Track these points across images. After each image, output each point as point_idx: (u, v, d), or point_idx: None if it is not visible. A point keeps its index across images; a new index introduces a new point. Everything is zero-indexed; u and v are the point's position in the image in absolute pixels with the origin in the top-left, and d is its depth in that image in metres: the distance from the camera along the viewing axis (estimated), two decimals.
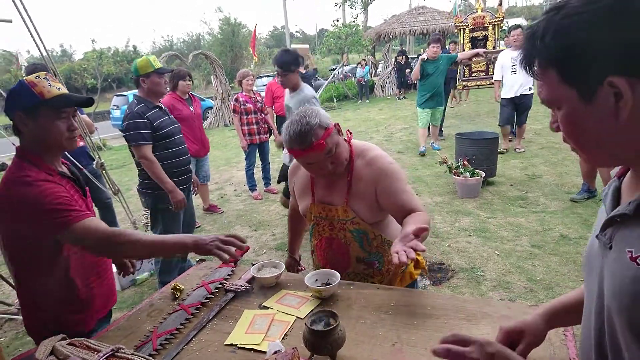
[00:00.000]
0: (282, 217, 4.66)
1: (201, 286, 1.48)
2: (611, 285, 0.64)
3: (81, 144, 3.77)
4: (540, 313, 0.94)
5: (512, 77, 5.64)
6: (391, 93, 15.16)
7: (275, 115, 5.56)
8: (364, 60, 15.35)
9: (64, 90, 1.38)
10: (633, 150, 0.63)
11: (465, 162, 4.64)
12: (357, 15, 19.50)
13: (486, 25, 9.79)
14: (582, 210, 3.94)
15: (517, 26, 5.89)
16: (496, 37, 9.77)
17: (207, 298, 1.40)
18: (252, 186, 5.44)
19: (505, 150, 6.03)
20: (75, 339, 1.16)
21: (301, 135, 1.32)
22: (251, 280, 1.49)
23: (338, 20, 18.68)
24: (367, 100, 14.77)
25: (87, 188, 1.53)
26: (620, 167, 0.74)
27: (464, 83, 9.42)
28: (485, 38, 9.64)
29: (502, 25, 9.55)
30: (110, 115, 13.69)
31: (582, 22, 0.58)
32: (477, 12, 10.02)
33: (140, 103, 2.83)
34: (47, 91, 1.31)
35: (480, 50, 6.71)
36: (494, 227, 3.80)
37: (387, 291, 1.39)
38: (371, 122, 10.43)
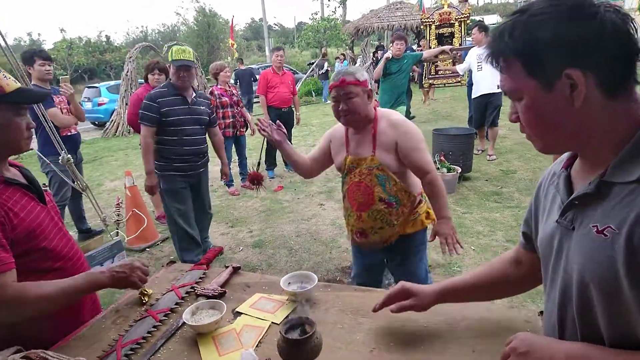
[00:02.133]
0: (260, 213, 4.59)
1: (171, 290, 1.40)
2: (582, 259, 0.71)
3: (72, 131, 3.82)
4: (434, 288, 1.12)
5: (479, 74, 5.55)
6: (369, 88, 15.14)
7: (267, 105, 5.45)
8: (343, 54, 15.30)
9: (18, 84, 1.25)
10: (585, 136, 0.71)
11: (442, 158, 4.67)
12: (335, 8, 19.39)
13: (452, 21, 9.76)
14: None
15: (475, 24, 5.89)
16: (462, 33, 9.79)
17: (176, 303, 1.33)
18: (229, 182, 5.33)
19: (482, 151, 6.01)
20: (32, 351, 1.07)
21: (339, 74, 1.82)
22: (224, 284, 1.43)
23: (317, 14, 18.52)
24: (324, 101, 14.71)
25: (45, 192, 1.35)
26: (566, 159, 0.83)
27: (430, 81, 9.29)
28: (452, 34, 9.62)
29: (468, 21, 9.56)
30: (82, 108, 13.20)
31: (545, 20, 0.67)
32: (443, 7, 10.02)
33: (164, 87, 3.07)
34: (6, 84, 1.15)
35: (446, 48, 6.70)
36: (470, 223, 3.83)
37: (365, 293, 1.35)
38: None
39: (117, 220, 4.04)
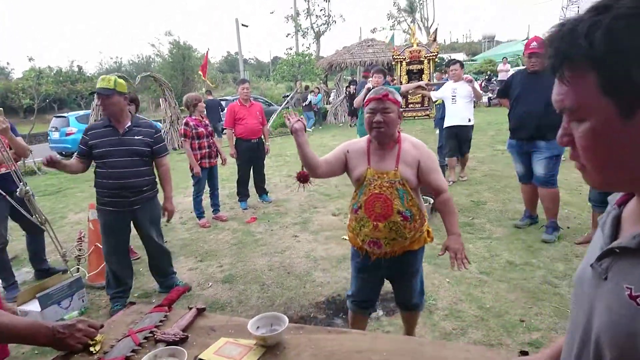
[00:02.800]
0: (231, 247, 4.44)
1: (128, 336, 1.28)
2: (605, 318, 0.59)
3: (3, 170, 3.42)
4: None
5: (452, 106, 5.83)
6: (343, 120, 15.45)
7: (235, 137, 5.41)
8: (317, 88, 15.60)
9: None
10: None
11: None
12: (309, 44, 19.93)
13: (422, 59, 10.38)
14: (526, 236, 4.07)
15: (456, 61, 6.21)
16: (431, 70, 10.29)
17: (133, 350, 1.21)
18: (200, 213, 5.18)
19: (453, 182, 6.13)
20: None
21: (381, 89, 2.01)
22: (187, 328, 1.32)
23: (291, 49, 18.98)
24: (320, 127, 14.92)
25: None
26: (621, 194, 0.69)
27: (401, 114, 9.67)
28: (421, 71, 10.14)
29: (436, 59, 10.10)
30: (49, 138, 12.78)
31: (636, 25, 0.50)
32: (413, 46, 10.58)
33: (101, 119, 3.09)
34: None
35: (422, 83, 7.06)
36: (444, 254, 3.81)
37: (339, 335, 1.28)
38: (325, 147, 10.46)
39: (79, 255, 3.82)
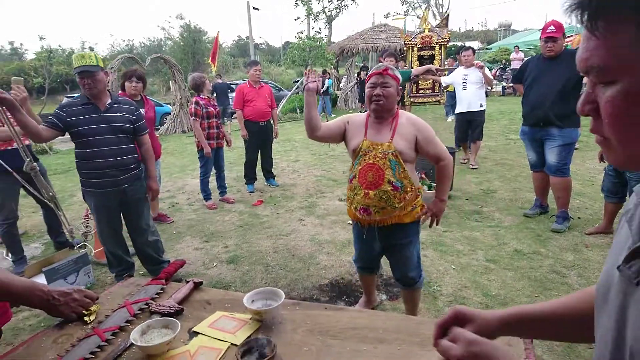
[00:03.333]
0: (237, 228, 4.44)
1: (123, 307, 1.27)
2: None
3: (13, 145, 3.44)
4: (499, 316, 0.80)
5: (463, 92, 5.89)
6: (354, 107, 15.29)
7: (244, 119, 5.38)
8: (328, 72, 15.42)
9: None
10: None
11: (423, 176, 4.64)
12: (320, 29, 19.66)
13: (433, 44, 10.27)
14: (535, 226, 4.00)
15: (468, 47, 6.18)
16: (442, 56, 10.24)
17: (127, 321, 1.20)
18: (207, 195, 5.18)
19: (467, 159, 6.27)
20: None
21: (382, 65, 2.13)
22: (182, 301, 1.30)
23: (302, 33, 18.73)
24: (330, 113, 14.80)
25: None
26: None
27: (412, 100, 9.49)
28: (432, 57, 10.08)
29: (447, 45, 10.00)
30: None
31: None
32: (424, 31, 10.54)
33: (78, 97, 2.92)
34: None
35: (432, 67, 6.92)
36: (450, 241, 3.77)
37: (337, 312, 1.25)
38: None
39: (85, 232, 3.85)
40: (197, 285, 1.40)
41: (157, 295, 1.34)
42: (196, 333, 1.16)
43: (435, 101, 8.92)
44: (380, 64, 2.20)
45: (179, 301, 1.28)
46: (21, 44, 40.86)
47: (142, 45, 37.94)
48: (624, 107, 0.48)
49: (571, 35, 19.30)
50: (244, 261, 3.68)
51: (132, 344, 1.08)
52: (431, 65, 7.99)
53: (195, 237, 4.28)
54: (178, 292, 1.33)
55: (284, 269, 3.49)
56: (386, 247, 2.35)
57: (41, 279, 3.10)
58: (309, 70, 2.21)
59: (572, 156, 3.85)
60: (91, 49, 32.56)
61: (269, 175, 5.96)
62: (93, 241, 3.90)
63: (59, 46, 25.04)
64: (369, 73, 2.15)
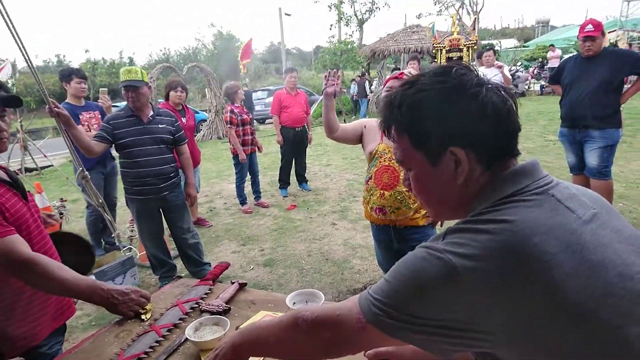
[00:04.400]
0: (272, 232, 4.57)
1: (175, 306, 1.38)
2: None
3: None
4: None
5: None
6: None
7: (280, 125, 5.56)
8: (358, 76, 15.46)
9: None
10: (465, 207, 0.72)
11: None
12: (352, 32, 19.74)
13: (461, 47, 10.85)
14: None
15: (490, 48, 6.30)
16: (470, 58, 10.40)
17: (180, 319, 1.31)
18: (243, 200, 5.35)
19: None
20: None
21: (400, 72, 2.19)
22: (229, 301, 1.40)
23: (334, 37, 18.87)
24: (361, 118, 14.82)
25: (28, 192, 1.48)
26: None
27: None
28: (460, 58, 10.58)
29: (475, 47, 10.17)
30: None
31: (430, 98, 0.69)
32: (453, 34, 11.05)
33: (121, 110, 3.11)
34: None
35: None
36: None
37: None
38: None
39: (131, 236, 4.08)
40: (242, 286, 1.50)
41: (205, 295, 1.44)
42: None
43: None
44: (397, 70, 2.30)
45: (226, 301, 1.38)
46: (64, 56, 43.20)
47: (178, 54, 39.30)
48: (418, 184, 0.76)
49: (614, 30, 18.49)
50: (280, 264, 3.79)
51: (186, 340, 1.19)
52: None
53: (233, 241, 4.43)
54: (225, 292, 1.43)
55: (318, 272, 3.57)
56: (403, 249, 2.40)
57: None
58: (328, 73, 2.27)
59: (614, 157, 3.72)
60: (130, 60, 34.10)
61: (301, 179, 6.07)
62: (138, 245, 4.13)
63: (102, 58, 26.36)
64: (386, 78, 2.24)
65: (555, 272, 0.58)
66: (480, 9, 22.32)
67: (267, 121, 15.14)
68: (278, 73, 39.46)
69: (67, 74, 3.83)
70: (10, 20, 2.57)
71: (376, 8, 19.59)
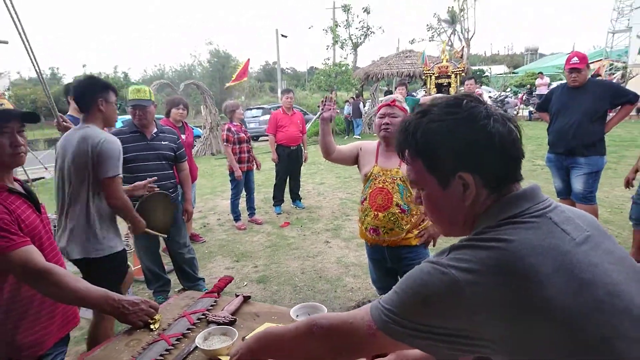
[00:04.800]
0: (265, 249, 4.61)
1: (183, 316, 1.44)
2: None
3: None
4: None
5: None
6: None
7: (276, 143, 5.70)
8: (352, 98, 15.75)
9: (7, 105, 1.41)
10: (471, 226, 0.81)
11: None
12: (347, 55, 20.19)
13: (449, 74, 11.67)
14: None
15: (471, 77, 7.17)
16: (457, 84, 11.24)
17: (188, 329, 1.37)
18: (237, 216, 5.40)
19: None
20: None
21: (391, 97, 2.32)
22: (234, 312, 1.46)
23: (329, 59, 19.27)
24: (355, 136, 15.05)
25: (42, 204, 1.54)
26: None
27: None
28: (449, 84, 11.40)
29: (462, 74, 11.00)
30: None
31: (442, 127, 0.77)
32: (442, 62, 11.95)
33: (125, 126, 3.18)
34: None
35: (438, 95, 7.91)
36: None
37: None
38: None
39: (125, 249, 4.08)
40: (246, 299, 1.56)
41: (211, 307, 1.50)
42: None
43: None
44: (390, 96, 2.39)
45: (231, 312, 1.44)
46: (57, 69, 43.23)
47: (173, 70, 39.57)
48: (429, 204, 0.85)
49: (599, 60, 19.17)
50: (273, 281, 3.82)
51: (195, 348, 1.25)
52: (436, 94, 9.11)
53: (226, 257, 4.46)
54: (230, 304, 1.49)
55: (311, 289, 3.61)
56: (396, 268, 2.47)
57: None
58: (325, 99, 2.36)
59: (599, 183, 3.87)
60: (125, 75, 34.27)
61: (295, 197, 6.15)
62: (132, 258, 4.13)
63: (100, 72, 26.49)
64: (379, 105, 2.35)
65: (549, 290, 0.65)
66: (472, 36, 22.99)
67: (260, 138, 15.30)
68: (272, 92, 39.94)
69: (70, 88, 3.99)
70: (24, 31, 2.66)
71: (371, 32, 20.07)
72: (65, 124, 2.76)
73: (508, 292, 0.66)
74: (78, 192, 2.18)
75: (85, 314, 3.22)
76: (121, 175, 2.26)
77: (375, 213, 2.27)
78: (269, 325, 1.39)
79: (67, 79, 33.35)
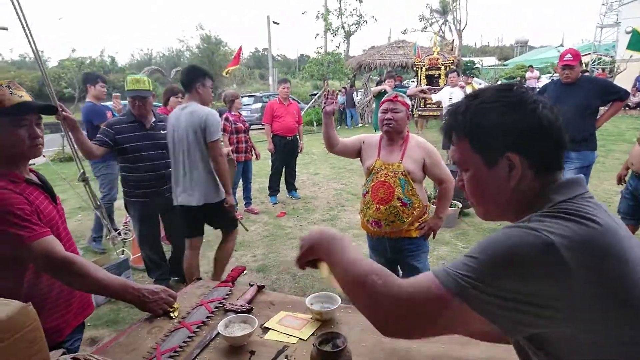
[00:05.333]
0: (263, 238, 4.66)
1: (201, 305, 1.49)
2: None
3: None
4: None
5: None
6: (369, 121, 15.54)
7: (272, 133, 5.71)
8: (345, 87, 15.73)
9: (26, 98, 1.41)
10: (514, 209, 0.83)
11: None
12: (339, 44, 20.06)
13: (439, 65, 12.15)
14: None
15: (454, 70, 7.79)
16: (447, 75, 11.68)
17: (207, 317, 1.42)
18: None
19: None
20: (79, 353, 1.16)
21: (393, 92, 2.41)
22: (251, 300, 1.52)
23: (321, 48, 19.14)
24: (347, 126, 15.08)
25: (57, 195, 1.57)
26: None
27: (420, 113, 10.98)
28: (439, 76, 11.83)
29: (452, 66, 11.48)
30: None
31: (494, 108, 0.80)
32: (433, 54, 12.44)
33: (124, 115, 3.23)
34: (8, 99, 1.34)
35: (425, 88, 8.81)
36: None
37: None
38: None
39: (124, 239, 4.10)
40: (260, 288, 1.62)
41: (227, 296, 1.56)
42: (268, 329, 1.37)
43: (437, 115, 9.89)
44: (392, 92, 2.46)
45: (247, 301, 1.49)
46: (43, 52, 42.18)
47: (161, 55, 38.92)
48: (472, 184, 0.87)
49: (588, 54, 19.40)
50: (273, 270, 3.89)
51: (217, 335, 1.30)
52: (424, 86, 9.71)
53: None
54: (246, 293, 1.55)
55: (310, 278, 3.69)
56: (397, 259, 2.54)
57: None
58: (328, 92, 2.40)
59: (590, 177, 3.99)
60: (112, 59, 33.61)
61: (291, 187, 6.19)
62: (131, 247, 4.16)
63: (89, 57, 25.93)
64: (382, 100, 2.41)
65: (625, 267, 0.68)
66: (464, 27, 23.01)
67: (252, 127, 15.22)
68: (263, 79, 39.58)
69: (94, 77, 4.45)
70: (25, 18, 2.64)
71: (363, 21, 19.97)
72: (65, 113, 2.72)
73: (591, 264, 0.67)
74: (196, 154, 2.88)
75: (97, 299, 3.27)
76: (221, 139, 3.10)
77: (377, 206, 2.33)
78: (285, 314, 1.45)
79: (52, 62, 32.59)
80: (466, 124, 0.83)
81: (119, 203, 6.27)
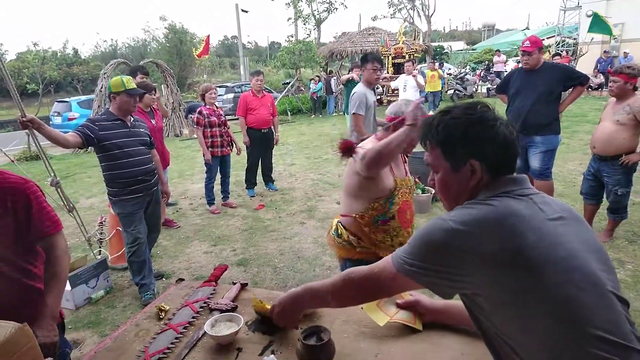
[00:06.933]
0: (242, 232, 4.68)
1: (185, 306, 1.52)
2: None
3: None
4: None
5: (403, 94, 8.00)
6: (343, 109, 15.59)
7: (247, 126, 5.68)
8: (317, 76, 15.69)
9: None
10: (465, 201, 1.02)
11: (417, 180, 4.93)
12: (310, 31, 19.93)
13: (404, 54, 13.15)
14: None
15: (409, 60, 9.03)
16: (413, 63, 12.58)
17: (193, 317, 1.45)
18: (211, 200, 5.41)
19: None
20: None
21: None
22: (235, 299, 1.56)
23: (292, 37, 18.97)
24: (320, 115, 15.09)
25: None
26: None
27: (388, 98, 12.12)
28: (403, 64, 12.78)
29: (416, 55, 12.86)
30: (51, 122, 12.83)
31: (460, 124, 1.01)
32: (398, 43, 13.54)
33: (104, 114, 3.18)
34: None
35: (387, 75, 10.34)
36: None
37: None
38: (326, 136, 10.67)
39: (100, 239, 4.05)
40: (243, 286, 1.66)
41: (211, 295, 1.59)
42: None
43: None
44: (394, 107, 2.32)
45: (231, 299, 1.53)
46: (1, 44, 40.04)
47: (127, 46, 37.61)
48: (442, 184, 1.08)
49: (552, 36, 19.93)
50: (253, 263, 3.93)
51: (204, 335, 1.34)
52: (385, 74, 10.89)
53: (204, 241, 4.50)
54: (229, 292, 1.58)
55: (291, 270, 3.75)
56: None
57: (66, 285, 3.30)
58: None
59: (554, 159, 4.19)
60: (76, 51, 32.24)
61: (268, 179, 6.20)
62: (107, 247, 4.10)
63: (51, 49, 24.73)
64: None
65: (522, 241, 0.87)
66: (432, 13, 23.23)
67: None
68: (234, 68, 38.88)
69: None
70: None
71: (334, 8, 19.87)
72: (26, 122, 2.59)
73: (490, 241, 0.88)
74: None
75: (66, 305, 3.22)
76: (361, 114, 3.82)
77: (408, 230, 2.08)
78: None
79: (10, 56, 30.96)
80: (438, 136, 1.03)
81: (90, 202, 6.17)
